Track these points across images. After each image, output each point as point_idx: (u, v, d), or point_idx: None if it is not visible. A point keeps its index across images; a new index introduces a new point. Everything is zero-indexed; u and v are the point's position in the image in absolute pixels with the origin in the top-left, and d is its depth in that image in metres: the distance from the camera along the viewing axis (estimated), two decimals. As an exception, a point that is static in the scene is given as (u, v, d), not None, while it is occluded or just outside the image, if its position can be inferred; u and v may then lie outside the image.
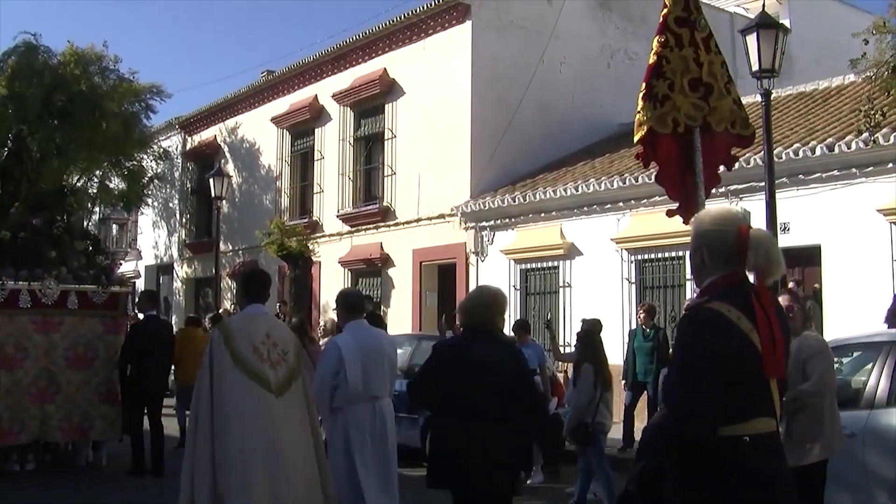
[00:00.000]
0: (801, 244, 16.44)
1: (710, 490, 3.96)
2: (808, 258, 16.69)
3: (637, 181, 19.05)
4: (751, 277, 4.22)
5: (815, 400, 7.73)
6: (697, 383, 3.91)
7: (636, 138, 7.20)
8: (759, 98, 15.02)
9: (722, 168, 7.66)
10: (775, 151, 15.37)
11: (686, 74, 7.19)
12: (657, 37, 7.25)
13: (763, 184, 14.26)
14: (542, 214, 21.84)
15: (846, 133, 16.59)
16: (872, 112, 13.55)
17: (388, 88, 26.44)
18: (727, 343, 3.96)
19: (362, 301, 9.65)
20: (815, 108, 20.12)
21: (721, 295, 4.08)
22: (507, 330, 12.34)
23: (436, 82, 24.77)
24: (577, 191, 20.69)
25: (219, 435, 6.72)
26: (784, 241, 15.08)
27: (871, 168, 15.95)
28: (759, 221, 15.57)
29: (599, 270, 20.27)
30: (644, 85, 7.17)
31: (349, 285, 26.29)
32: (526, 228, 22.31)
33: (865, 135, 15.05)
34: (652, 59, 7.23)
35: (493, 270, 22.77)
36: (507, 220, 22.68)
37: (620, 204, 19.82)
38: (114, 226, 38.85)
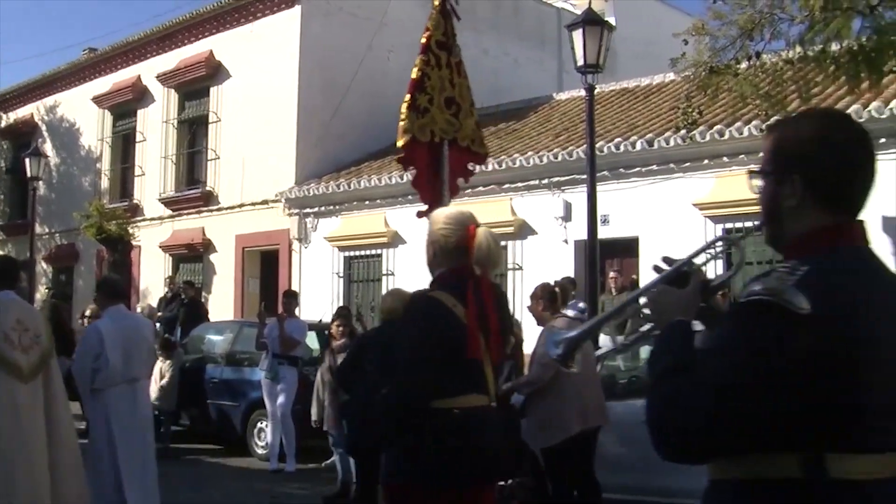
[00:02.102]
0: (620, 236, 16.84)
1: (422, 453, 4.45)
2: (626, 249, 17.08)
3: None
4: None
5: (528, 389, 8.29)
6: (415, 362, 4.49)
7: (400, 143, 8.06)
8: (583, 93, 15.27)
9: (460, 180, 8.59)
10: (597, 145, 15.66)
11: (443, 92, 8.18)
12: (420, 55, 8.20)
13: (585, 176, 14.53)
14: (367, 202, 21.80)
15: (665, 129, 17.04)
16: (690, 110, 13.90)
17: (213, 71, 26.00)
18: (444, 327, 4.49)
19: (122, 287, 10.28)
20: (636, 104, 20.60)
21: (444, 285, 4.66)
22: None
23: (263, 67, 24.42)
24: (402, 179, 20.60)
25: None
26: (604, 232, 15.39)
27: (689, 164, 16.42)
28: (580, 213, 15.93)
29: (422, 259, 20.21)
30: (409, 96, 8.05)
31: (170, 270, 25.98)
32: (350, 216, 22.22)
33: (683, 132, 15.45)
34: (416, 74, 8.16)
35: (317, 257, 22.65)
36: (332, 207, 22.55)
37: (445, 193, 19.89)
38: None
